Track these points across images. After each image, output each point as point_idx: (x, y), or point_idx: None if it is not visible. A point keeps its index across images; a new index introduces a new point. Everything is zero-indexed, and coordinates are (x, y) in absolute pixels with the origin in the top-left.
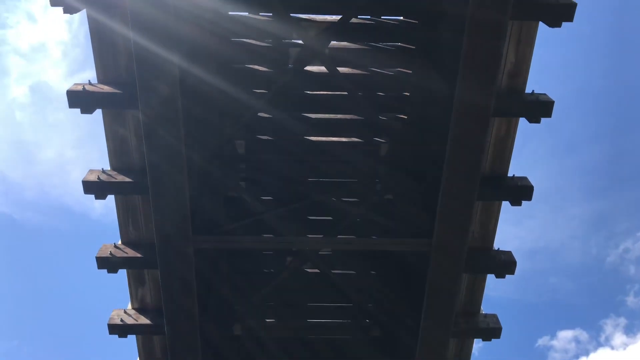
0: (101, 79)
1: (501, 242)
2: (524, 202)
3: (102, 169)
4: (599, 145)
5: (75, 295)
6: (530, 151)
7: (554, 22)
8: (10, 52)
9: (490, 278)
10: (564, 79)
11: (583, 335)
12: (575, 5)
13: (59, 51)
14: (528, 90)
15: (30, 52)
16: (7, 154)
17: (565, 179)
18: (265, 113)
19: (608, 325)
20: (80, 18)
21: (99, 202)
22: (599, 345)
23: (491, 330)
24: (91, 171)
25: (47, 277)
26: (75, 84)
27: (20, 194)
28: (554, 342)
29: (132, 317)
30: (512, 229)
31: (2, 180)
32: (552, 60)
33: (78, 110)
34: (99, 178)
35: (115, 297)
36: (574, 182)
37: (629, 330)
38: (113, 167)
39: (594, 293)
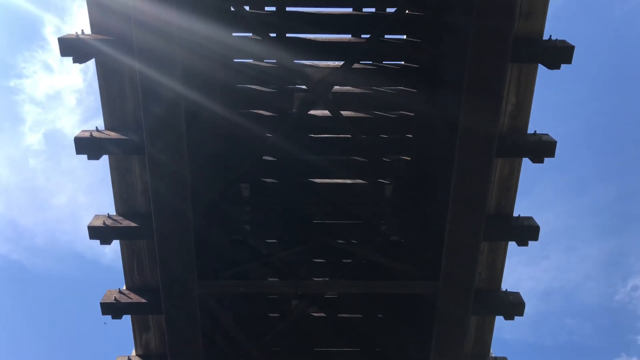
0: (109, 126)
1: (515, 282)
2: (534, 243)
3: (108, 214)
4: (609, 184)
5: (82, 341)
6: (540, 191)
7: (553, 65)
8: (26, 101)
9: (507, 321)
10: (572, 118)
11: None
12: (573, 48)
13: (74, 99)
14: (530, 130)
15: (45, 101)
16: (19, 201)
17: (577, 219)
18: (270, 156)
19: None
20: (95, 67)
21: (110, 248)
22: None
23: None
24: (97, 216)
25: (56, 324)
26: (83, 130)
27: (30, 240)
28: None
29: None
30: (526, 269)
31: (14, 227)
32: (560, 99)
33: (93, 160)
34: (104, 223)
35: (121, 343)
36: (586, 222)
37: None
38: (119, 212)
39: (606, 333)
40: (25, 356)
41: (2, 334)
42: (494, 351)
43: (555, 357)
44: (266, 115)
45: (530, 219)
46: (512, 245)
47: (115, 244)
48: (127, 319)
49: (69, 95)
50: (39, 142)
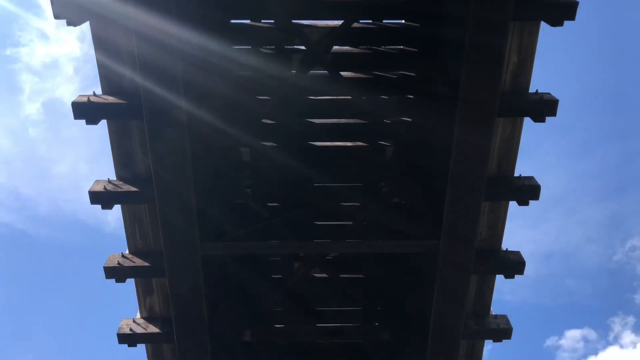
0: (106, 90)
1: (516, 245)
2: (535, 206)
3: (108, 179)
4: (612, 146)
5: (87, 307)
6: (542, 154)
7: (556, 22)
8: (23, 70)
9: (507, 282)
10: (576, 79)
11: (591, 334)
12: (577, 3)
13: (71, 67)
14: (532, 89)
15: (42, 70)
16: (21, 170)
17: (579, 181)
18: (269, 119)
19: (616, 324)
20: (91, 34)
21: (113, 217)
22: (607, 344)
23: (501, 331)
24: (97, 182)
25: (61, 291)
26: (80, 95)
27: (34, 209)
28: (563, 342)
29: (141, 326)
30: (527, 232)
31: (17, 197)
32: (564, 60)
33: (91, 125)
34: (105, 188)
35: (126, 307)
36: (588, 184)
37: (638, 329)
38: (119, 177)
39: (604, 292)
40: (31, 322)
41: (8, 301)
42: (494, 311)
43: (554, 317)
44: (265, 77)
45: (531, 178)
46: (513, 208)
47: (117, 210)
48: (131, 283)
49: (67, 64)
50: (38, 112)
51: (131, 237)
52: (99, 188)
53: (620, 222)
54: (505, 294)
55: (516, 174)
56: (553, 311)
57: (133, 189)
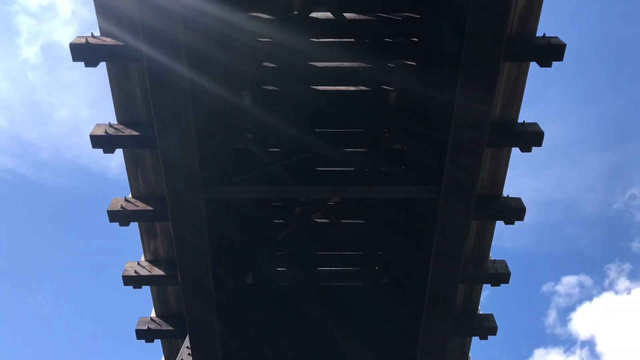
0: (104, 31)
1: (517, 193)
2: (539, 153)
3: (109, 123)
4: (618, 95)
5: (92, 251)
6: (547, 102)
7: None
8: (20, 12)
9: (507, 230)
10: (585, 27)
11: (587, 280)
12: None
13: (69, 10)
14: (539, 34)
15: (39, 12)
16: (22, 115)
17: (583, 130)
18: (270, 62)
19: (612, 271)
20: None
21: (115, 162)
22: (602, 290)
23: (500, 275)
24: (98, 125)
25: (66, 236)
26: (78, 37)
27: (36, 155)
28: (558, 288)
29: (146, 269)
30: (529, 181)
31: (19, 142)
32: (573, 8)
33: (91, 69)
34: (106, 132)
35: (130, 250)
36: (592, 133)
37: (633, 276)
38: (120, 121)
39: (602, 240)
40: (38, 266)
41: (15, 246)
42: (493, 258)
43: (552, 264)
44: (266, 18)
45: (534, 124)
46: (515, 156)
47: (120, 157)
48: (135, 227)
49: (64, 6)
50: (36, 55)
51: (133, 182)
52: (100, 132)
53: (621, 171)
54: (505, 242)
55: (520, 121)
56: (551, 258)
57: (134, 132)
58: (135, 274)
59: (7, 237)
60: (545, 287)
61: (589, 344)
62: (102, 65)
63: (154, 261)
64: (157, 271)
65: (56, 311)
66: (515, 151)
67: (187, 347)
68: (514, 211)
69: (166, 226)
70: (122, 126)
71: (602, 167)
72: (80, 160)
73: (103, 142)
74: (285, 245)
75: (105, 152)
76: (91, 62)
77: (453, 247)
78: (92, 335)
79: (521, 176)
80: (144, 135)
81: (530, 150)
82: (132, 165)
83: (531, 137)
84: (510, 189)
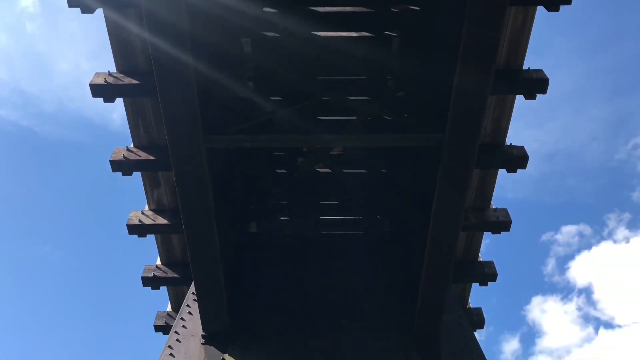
0: None
1: (521, 144)
2: (544, 102)
3: (109, 71)
4: (627, 43)
5: (95, 200)
6: (553, 50)
7: None
8: None
9: (510, 180)
10: None
11: (587, 230)
12: None
13: None
14: None
15: None
16: (22, 67)
17: (590, 79)
18: (270, 8)
19: (612, 220)
20: None
21: (118, 114)
22: (601, 239)
23: (501, 223)
24: (97, 74)
25: (70, 186)
26: None
27: (39, 107)
28: (558, 237)
29: (150, 218)
30: (532, 131)
31: (20, 94)
32: None
33: (91, 21)
34: (105, 81)
35: (134, 200)
36: (598, 82)
37: (632, 225)
38: (119, 70)
39: (603, 190)
40: (45, 217)
41: (18, 198)
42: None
43: (552, 214)
44: None
45: (539, 71)
46: (520, 107)
47: (123, 108)
48: (138, 177)
49: None
50: (34, 4)
51: (135, 131)
52: (100, 80)
53: (626, 120)
54: (507, 192)
55: (525, 68)
56: (552, 208)
57: (134, 81)
58: (139, 223)
59: (12, 188)
60: (545, 237)
61: (586, 292)
62: (101, 16)
63: (158, 210)
64: (161, 220)
65: (65, 261)
66: (520, 102)
67: (193, 293)
68: (516, 159)
69: (169, 175)
70: (121, 75)
71: (608, 117)
72: (83, 113)
73: (103, 90)
74: (287, 195)
75: (105, 101)
76: (87, 9)
77: (455, 195)
78: (100, 283)
79: (525, 127)
80: (144, 84)
81: (534, 98)
82: (133, 114)
83: (536, 84)
84: (512, 140)
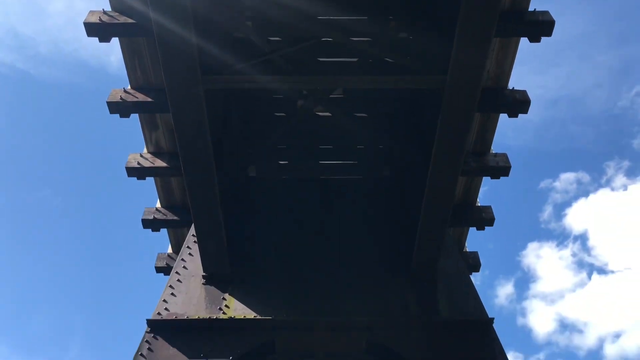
0: None
1: (523, 89)
2: (549, 47)
3: (103, 9)
4: None
5: (92, 142)
6: None
7: None
8: None
9: (511, 127)
10: None
11: (585, 177)
12: None
13: None
14: None
15: None
16: (15, 8)
17: (597, 24)
18: None
19: (610, 168)
20: None
21: (115, 56)
22: (599, 186)
23: (500, 168)
24: (92, 12)
25: (68, 129)
26: None
27: (34, 49)
28: (556, 184)
29: (149, 160)
30: (536, 78)
31: (15, 36)
32: None
33: None
34: (100, 19)
35: (132, 142)
36: (606, 28)
37: (631, 173)
38: (114, 8)
39: (604, 137)
40: (40, 161)
41: (15, 142)
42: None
43: (552, 161)
44: None
45: (545, 13)
46: (524, 52)
47: (120, 50)
48: (135, 119)
49: None
50: None
51: (132, 72)
52: (94, 19)
53: (631, 68)
54: (507, 139)
55: (530, 9)
56: (552, 155)
57: (130, 20)
58: (138, 166)
59: (9, 132)
60: (543, 184)
61: (582, 238)
62: None
63: (156, 153)
64: (160, 163)
65: (65, 204)
66: (524, 46)
67: (193, 235)
68: (518, 103)
69: (167, 118)
70: (116, 13)
71: (613, 64)
72: (79, 55)
73: (98, 29)
74: (287, 138)
75: (101, 40)
76: None
77: (455, 138)
78: (100, 226)
79: (529, 73)
80: (140, 23)
81: (539, 41)
82: (130, 55)
83: (541, 26)
84: (517, 86)
